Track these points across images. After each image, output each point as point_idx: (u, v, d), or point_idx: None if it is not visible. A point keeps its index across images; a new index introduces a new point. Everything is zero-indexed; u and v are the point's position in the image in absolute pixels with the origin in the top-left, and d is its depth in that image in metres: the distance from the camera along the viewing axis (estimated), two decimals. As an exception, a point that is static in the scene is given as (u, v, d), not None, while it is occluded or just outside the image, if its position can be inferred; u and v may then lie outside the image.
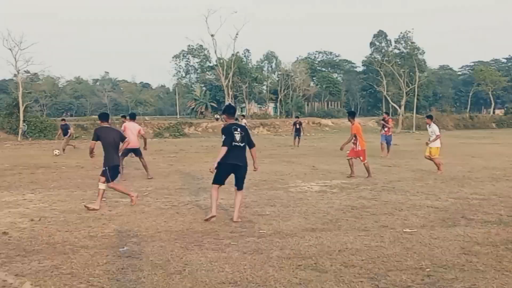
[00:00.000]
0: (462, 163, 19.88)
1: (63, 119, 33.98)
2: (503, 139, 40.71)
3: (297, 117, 37.78)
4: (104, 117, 11.54)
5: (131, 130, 15.43)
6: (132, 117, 16.88)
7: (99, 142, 10.76)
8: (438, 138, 17.31)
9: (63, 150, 27.22)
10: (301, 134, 33.22)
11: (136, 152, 15.87)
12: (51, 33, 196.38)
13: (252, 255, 6.96)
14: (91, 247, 7.50)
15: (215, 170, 9.11)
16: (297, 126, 32.81)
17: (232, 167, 9.20)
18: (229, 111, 9.64)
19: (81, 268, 6.44)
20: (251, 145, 9.53)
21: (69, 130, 28.94)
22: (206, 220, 9.05)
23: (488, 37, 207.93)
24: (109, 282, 5.92)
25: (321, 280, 5.91)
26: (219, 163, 9.07)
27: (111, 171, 10.75)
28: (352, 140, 16.02)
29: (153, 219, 9.54)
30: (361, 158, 15.97)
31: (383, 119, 26.08)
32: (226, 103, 68.48)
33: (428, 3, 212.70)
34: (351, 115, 16.43)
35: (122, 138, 11.21)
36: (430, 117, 18.57)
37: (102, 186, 10.71)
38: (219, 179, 9.29)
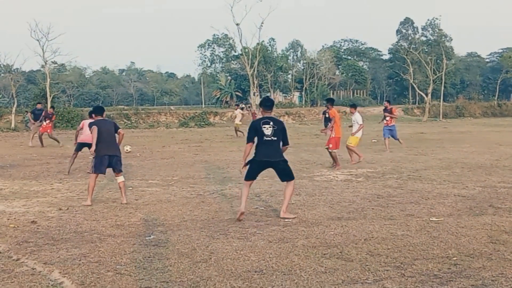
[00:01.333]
0: (489, 151, 19.63)
1: (39, 103, 30.25)
2: (532, 126, 40.11)
3: (326, 105, 37.11)
4: (98, 111, 11.01)
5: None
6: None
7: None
8: (361, 128, 16.96)
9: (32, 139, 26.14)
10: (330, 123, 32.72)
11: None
12: (78, 24, 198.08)
13: (278, 244, 6.98)
14: (118, 235, 7.59)
15: (247, 167, 8.76)
16: (326, 115, 32.22)
17: (264, 164, 8.76)
18: (265, 104, 9.07)
19: (108, 257, 6.51)
20: (285, 143, 8.90)
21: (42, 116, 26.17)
22: (238, 220, 8.48)
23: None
24: (136, 270, 5.99)
25: (347, 269, 5.90)
26: (251, 159, 8.72)
27: (96, 161, 10.38)
28: (329, 127, 15.74)
29: (179, 208, 9.61)
30: (331, 145, 15.43)
31: (385, 108, 22.44)
32: (251, 92, 68.60)
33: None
34: (329, 101, 16.50)
35: (117, 129, 10.75)
36: (353, 106, 18.09)
37: (120, 179, 10.50)
38: (250, 175, 8.79)
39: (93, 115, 11.17)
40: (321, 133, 15.94)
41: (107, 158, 10.36)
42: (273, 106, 9.32)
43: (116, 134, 10.67)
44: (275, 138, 8.60)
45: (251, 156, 8.73)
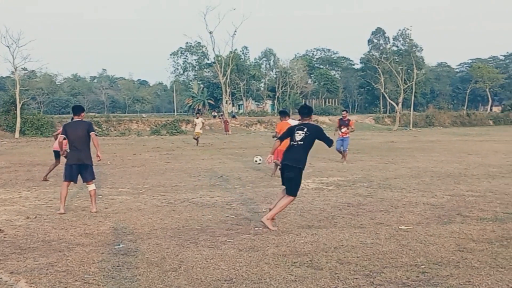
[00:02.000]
0: (458, 160, 19.90)
1: None
2: (500, 136, 40.82)
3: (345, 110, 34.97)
4: (74, 111, 10.40)
5: None
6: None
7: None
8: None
9: None
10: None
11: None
12: (49, 31, 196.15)
13: (248, 252, 6.97)
14: (87, 244, 7.50)
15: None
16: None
17: (284, 168, 8.73)
18: (302, 111, 9.16)
19: (76, 266, 6.43)
20: (328, 144, 8.97)
21: None
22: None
23: (486, 34, 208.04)
24: (104, 279, 5.92)
25: (317, 277, 5.92)
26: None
27: (65, 168, 10.11)
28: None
29: (149, 216, 9.54)
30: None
31: (341, 119, 20.64)
32: (224, 100, 68.58)
33: (426, 1, 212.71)
34: (282, 114, 15.36)
35: (89, 131, 10.05)
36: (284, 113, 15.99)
37: (91, 187, 10.21)
38: (283, 182, 8.79)
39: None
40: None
41: (76, 167, 10.02)
42: (311, 113, 9.33)
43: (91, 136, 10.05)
44: (302, 143, 8.64)
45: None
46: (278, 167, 14.65)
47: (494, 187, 12.84)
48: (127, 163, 20.28)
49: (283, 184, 8.77)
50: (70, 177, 10.04)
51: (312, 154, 16.63)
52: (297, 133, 8.67)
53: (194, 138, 32.70)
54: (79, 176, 10.17)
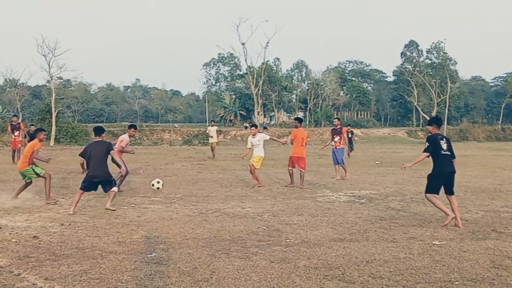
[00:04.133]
0: (493, 175, 19.59)
1: (32, 125, 28.53)
2: (536, 151, 40.03)
3: (348, 125, 34.33)
4: (96, 132, 11.71)
5: None
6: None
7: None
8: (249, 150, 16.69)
9: None
10: (353, 144, 31.23)
11: None
12: (85, 40, 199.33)
13: (279, 264, 6.95)
14: (120, 252, 7.57)
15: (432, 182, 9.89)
16: (349, 136, 29.50)
17: (447, 175, 9.78)
18: (437, 122, 10.23)
19: (109, 273, 6.50)
20: (453, 156, 9.96)
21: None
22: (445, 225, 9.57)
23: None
24: (136, 287, 5.97)
25: (348, 291, 5.87)
26: (435, 174, 9.82)
27: (85, 179, 11.25)
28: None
29: (181, 226, 9.59)
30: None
31: (334, 128, 19.17)
32: (256, 111, 68.71)
33: (461, 13, 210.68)
34: (299, 121, 16.82)
35: (109, 150, 11.34)
36: (255, 126, 16.78)
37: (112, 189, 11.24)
38: (435, 189, 9.83)
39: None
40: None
41: (95, 182, 11.18)
42: (442, 123, 10.66)
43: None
44: (449, 153, 9.81)
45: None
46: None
47: (530, 204, 12.60)
48: (159, 172, 20.44)
49: (435, 192, 9.82)
50: (86, 188, 11.22)
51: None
52: (441, 142, 9.76)
53: (212, 149, 29.99)
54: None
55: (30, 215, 10.63)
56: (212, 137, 30.00)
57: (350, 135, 29.81)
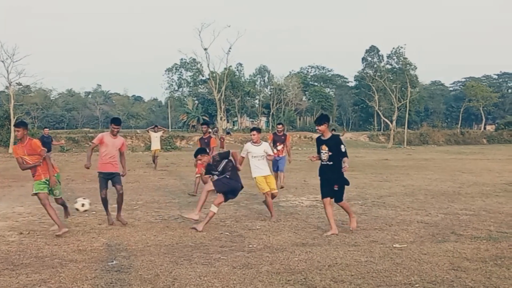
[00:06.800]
0: (452, 179, 19.92)
1: (47, 127, 25.41)
2: (494, 154, 40.90)
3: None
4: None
5: None
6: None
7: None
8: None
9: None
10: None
11: None
12: (44, 45, 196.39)
13: (242, 270, 6.94)
14: (80, 261, 7.46)
15: None
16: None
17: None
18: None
19: (69, 282, 6.40)
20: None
21: (52, 144, 22.70)
22: None
23: (480, 53, 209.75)
24: (97, 296, 5.89)
25: (310, 296, 5.89)
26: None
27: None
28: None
29: (142, 233, 9.51)
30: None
31: (275, 133, 17.17)
32: (218, 116, 68.66)
33: (421, 19, 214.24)
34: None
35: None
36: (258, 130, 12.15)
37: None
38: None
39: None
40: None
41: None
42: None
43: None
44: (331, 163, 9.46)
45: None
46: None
47: (488, 206, 12.85)
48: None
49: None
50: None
51: (307, 171, 16.62)
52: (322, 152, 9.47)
53: (152, 157, 26.31)
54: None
55: (-12, 224, 10.40)
56: (152, 143, 26.09)
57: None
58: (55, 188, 9.84)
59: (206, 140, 15.13)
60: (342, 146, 9.39)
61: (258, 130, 11.99)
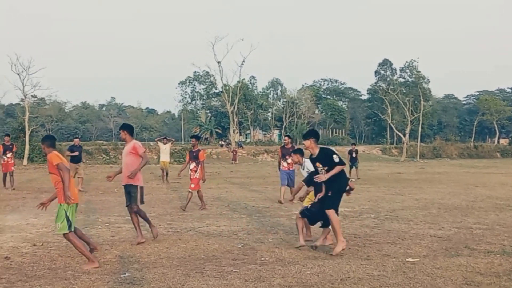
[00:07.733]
0: (465, 193, 19.81)
1: (77, 137, 24.42)
2: (507, 168, 40.62)
3: (353, 144, 32.73)
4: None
5: None
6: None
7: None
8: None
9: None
10: (357, 163, 29.13)
11: None
12: (59, 59, 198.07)
13: (254, 283, 6.94)
14: (93, 273, 7.49)
15: None
16: (353, 155, 29.02)
17: None
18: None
19: (82, 294, 6.43)
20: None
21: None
22: None
23: (494, 67, 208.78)
24: (109, 308, 5.91)
25: (322, 309, 5.88)
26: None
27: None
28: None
29: (155, 245, 9.53)
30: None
31: (283, 146, 16.82)
32: (231, 129, 68.81)
33: (434, 33, 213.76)
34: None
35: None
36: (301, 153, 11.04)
37: None
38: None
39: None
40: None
41: None
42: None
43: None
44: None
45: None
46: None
47: (502, 220, 12.76)
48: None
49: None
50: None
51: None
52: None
53: (161, 170, 26.68)
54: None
55: (2, 236, 10.47)
56: (162, 155, 26.82)
57: (354, 154, 29.13)
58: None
59: (195, 154, 15.00)
60: (335, 156, 8.77)
61: (301, 152, 11.02)
